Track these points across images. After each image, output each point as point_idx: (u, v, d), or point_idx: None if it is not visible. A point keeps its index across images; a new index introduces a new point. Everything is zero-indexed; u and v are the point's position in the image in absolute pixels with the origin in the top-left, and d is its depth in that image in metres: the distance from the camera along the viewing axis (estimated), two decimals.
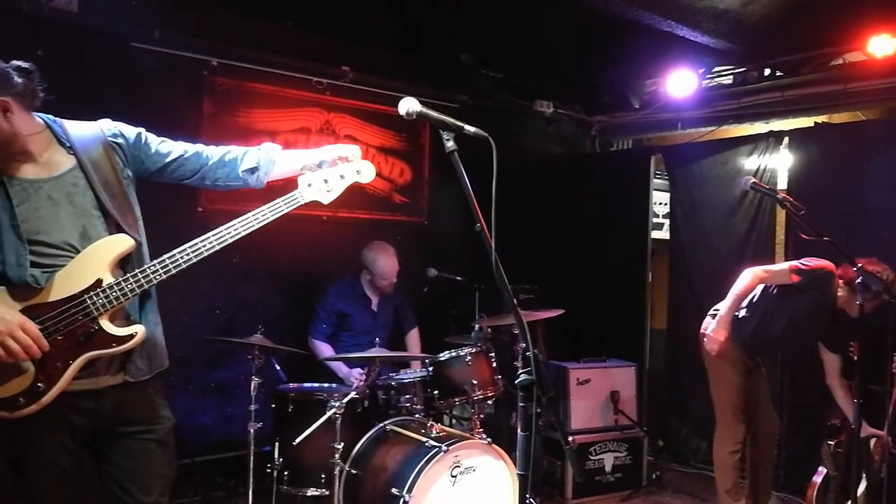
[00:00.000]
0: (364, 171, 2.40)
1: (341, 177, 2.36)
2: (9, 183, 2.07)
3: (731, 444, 3.92)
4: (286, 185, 2.34)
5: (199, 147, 2.41)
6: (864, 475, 3.63)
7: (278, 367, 4.19)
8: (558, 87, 6.17)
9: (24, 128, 2.07)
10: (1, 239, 2.04)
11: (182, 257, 2.13)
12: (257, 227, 2.21)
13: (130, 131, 2.31)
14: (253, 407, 3.63)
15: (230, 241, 2.18)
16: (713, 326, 3.80)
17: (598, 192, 5.74)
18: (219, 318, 4.36)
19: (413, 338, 4.80)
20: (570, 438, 4.63)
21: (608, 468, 4.76)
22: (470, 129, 1.96)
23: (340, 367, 4.33)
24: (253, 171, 2.39)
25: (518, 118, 6.19)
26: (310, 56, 4.90)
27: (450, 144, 1.94)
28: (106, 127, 2.27)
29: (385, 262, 4.43)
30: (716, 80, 5.70)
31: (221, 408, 4.50)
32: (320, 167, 2.37)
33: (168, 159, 2.34)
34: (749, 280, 3.70)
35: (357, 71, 5.06)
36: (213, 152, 2.41)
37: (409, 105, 1.93)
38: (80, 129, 2.22)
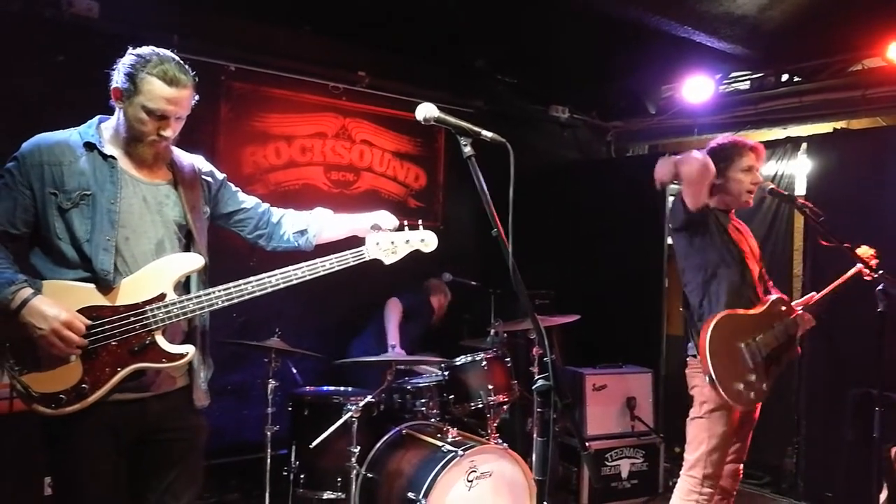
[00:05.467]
0: (428, 240, 2.50)
1: (406, 241, 2.46)
2: (119, 169, 2.16)
3: None
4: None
5: (267, 205, 2.53)
6: (885, 484, 3.59)
7: (294, 370, 4.21)
8: (574, 93, 6.16)
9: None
10: (93, 216, 2.09)
11: (247, 288, 2.21)
12: (322, 273, 2.31)
13: (218, 174, 2.46)
14: (269, 410, 3.65)
15: (295, 282, 2.28)
16: None
17: (614, 197, 5.71)
18: (235, 320, 4.37)
19: None
20: (587, 444, 4.61)
21: (624, 475, 4.74)
22: (487, 134, 1.97)
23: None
24: (302, 233, 2.49)
25: (533, 124, 6.19)
26: (326, 61, 4.93)
27: (467, 150, 1.95)
28: (200, 163, 2.40)
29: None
30: (733, 85, 5.67)
31: (237, 410, 4.51)
32: (378, 229, 2.45)
33: (240, 206, 2.49)
34: None
35: (373, 76, 5.08)
36: (274, 212, 2.53)
37: (426, 111, 1.95)
38: (180, 154, 2.34)
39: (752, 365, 2.97)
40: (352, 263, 2.35)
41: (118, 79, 2.13)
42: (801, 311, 3.21)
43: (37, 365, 2.02)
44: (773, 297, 3.18)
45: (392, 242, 2.43)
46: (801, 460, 4.75)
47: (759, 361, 2.99)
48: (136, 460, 2.20)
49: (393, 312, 4.62)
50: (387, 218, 2.49)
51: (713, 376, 2.85)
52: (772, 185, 3.21)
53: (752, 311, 3.06)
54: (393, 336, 4.47)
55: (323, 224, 2.52)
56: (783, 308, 3.16)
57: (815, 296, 3.32)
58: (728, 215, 3.20)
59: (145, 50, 2.14)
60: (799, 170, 4.98)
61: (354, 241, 2.47)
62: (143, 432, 2.17)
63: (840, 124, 5.10)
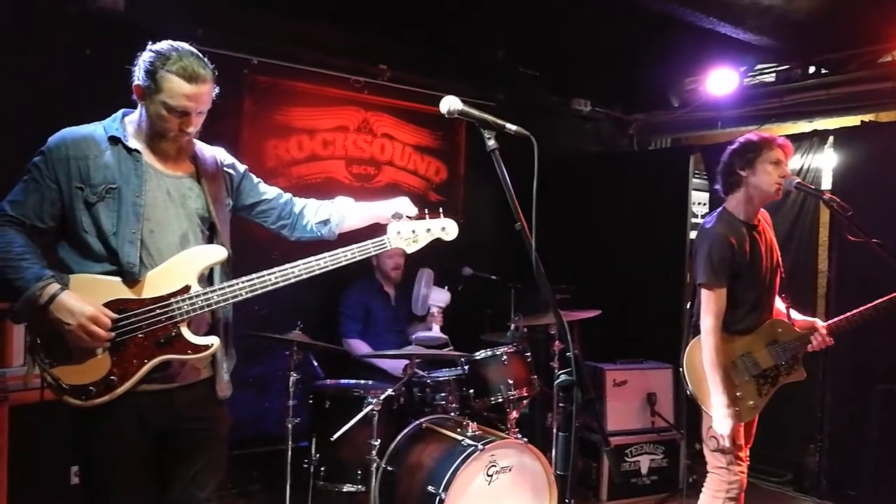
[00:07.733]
0: (449, 229, 2.50)
1: (428, 230, 2.47)
2: (143, 162, 2.18)
3: None
4: None
5: (289, 195, 2.54)
6: None
7: (315, 363, 4.23)
8: (596, 86, 6.11)
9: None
10: (119, 209, 2.12)
11: (270, 279, 2.22)
12: (344, 263, 2.32)
13: (240, 166, 2.47)
14: (291, 402, 3.67)
15: (318, 272, 2.29)
16: None
17: (636, 191, 5.67)
18: (257, 313, 4.40)
19: None
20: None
21: (644, 470, 4.72)
22: (511, 127, 1.96)
23: (383, 361, 4.34)
24: (325, 223, 2.50)
25: (555, 116, 6.15)
26: (348, 54, 4.94)
27: (491, 143, 1.94)
28: (222, 155, 2.42)
29: None
30: (758, 77, 5.60)
31: (259, 403, 4.54)
32: (399, 218, 2.46)
33: (262, 198, 2.50)
34: None
35: (395, 69, 5.08)
36: (297, 202, 2.54)
37: (450, 103, 1.95)
38: (202, 146, 2.37)
39: (737, 382, 3.04)
40: (373, 253, 2.37)
41: (139, 76, 2.15)
42: (819, 328, 3.16)
43: (66, 358, 2.05)
44: (770, 319, 3.19)
45: (413, 231, 2.44)
46: (825, 458, 4.70)
47: (746, 380, 3.06)
48: (163, 450, 2.22)
49: (361, 349, 4.39)
50: (406, 204, 2.49)
51: (691, 391, 3.08)
52: (798, 179, 3.16)
53: (744, 335, 3.12)
54: (391, 366, 4.32)
55: (345, 213, 2.53)
56: (780, 329, 3.17)
57: (817, 322, 3.23)
58: (753, 223, 3.17)
59: (164, 46, 2.15)
60: (825, 163, 4.91)
61: (376, 229, 2.48)
62: (169, 422, 2.20)
63: (868, 117, 5.01)
